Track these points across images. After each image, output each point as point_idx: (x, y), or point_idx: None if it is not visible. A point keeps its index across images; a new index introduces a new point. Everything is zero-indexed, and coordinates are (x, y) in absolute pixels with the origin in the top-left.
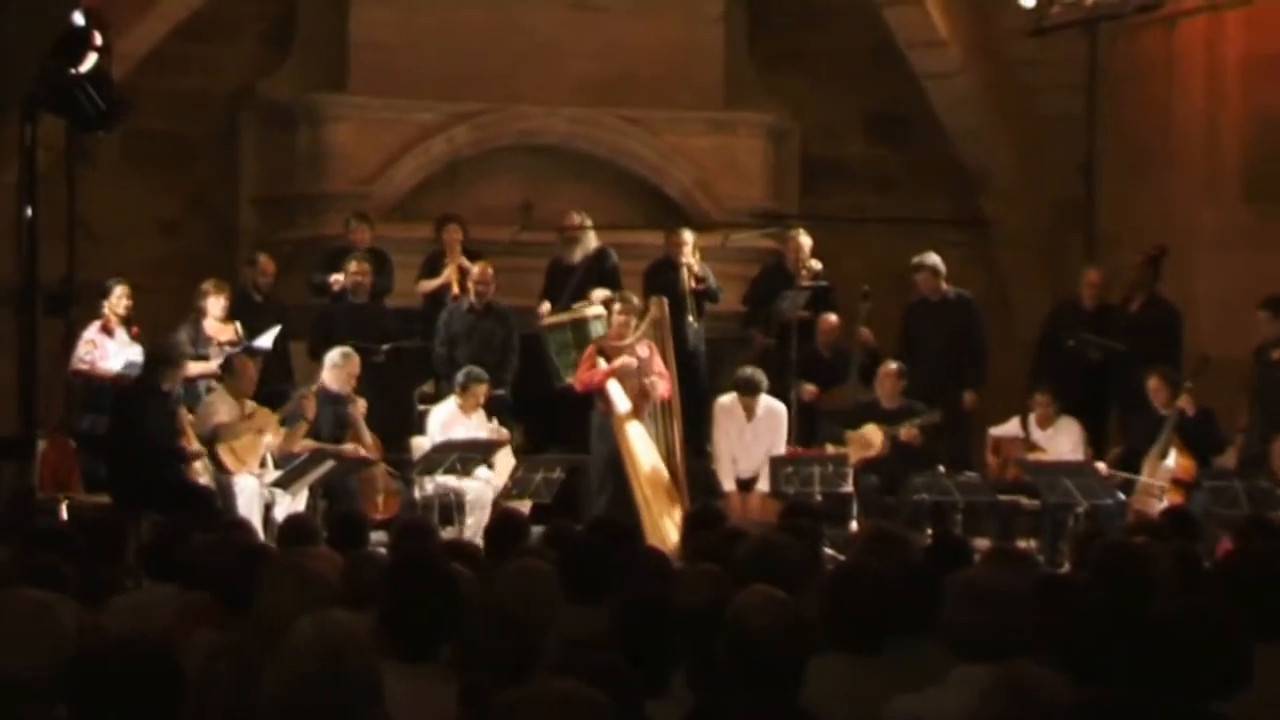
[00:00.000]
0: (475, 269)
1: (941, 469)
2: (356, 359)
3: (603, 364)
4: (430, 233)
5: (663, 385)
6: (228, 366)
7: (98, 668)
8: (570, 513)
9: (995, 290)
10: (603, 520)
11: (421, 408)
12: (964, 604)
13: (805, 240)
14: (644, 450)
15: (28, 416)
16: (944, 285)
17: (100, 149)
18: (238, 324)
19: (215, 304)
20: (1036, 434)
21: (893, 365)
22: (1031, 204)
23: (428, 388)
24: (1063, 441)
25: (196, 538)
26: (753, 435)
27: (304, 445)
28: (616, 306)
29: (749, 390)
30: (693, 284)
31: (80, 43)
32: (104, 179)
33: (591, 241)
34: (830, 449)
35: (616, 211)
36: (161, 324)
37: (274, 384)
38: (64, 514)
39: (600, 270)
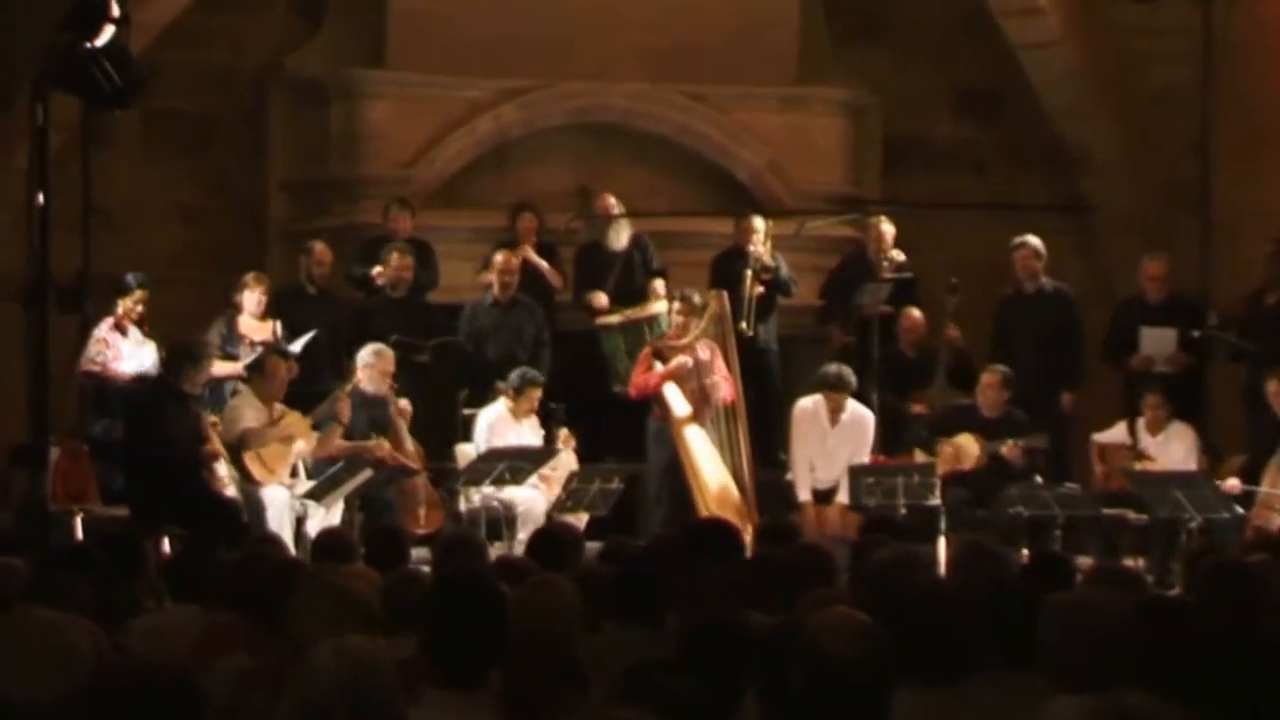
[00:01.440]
0: (498, 258)
1: (1039, 480)
2: (390, 354)
3: (659, 367)
4: (477, 220)
5: (725, 387)
6: (256, 366)
7: (115, 695)
8: (629, 526)
9: (1098, 281)
10: (665, 535)
11: (467, 412)
12: (1064, 629)
13: (888, 228)
14: (706, 457)
15: (40, 422)
16: (1042, 275)
17: (117, 130)
18: (277, 323)
19: (253, 298)
20: (1145, 441)
21: (999, 371)
22: (1139, 187)
23: (467, 390)
24: (1174, 449)
25: (222, 554)
26: (835, 442)
27: (339, 446)
28: (675, 305)
29: (837, 387)
30: (761, 278)
31: (95, 14)
32: (121, 163)
33: (626, 227)
34: (919, 457)
35: (680, 196)
36: (183, 319)
37: (323, 383)
38: (79, 528)
39: (643, 258)
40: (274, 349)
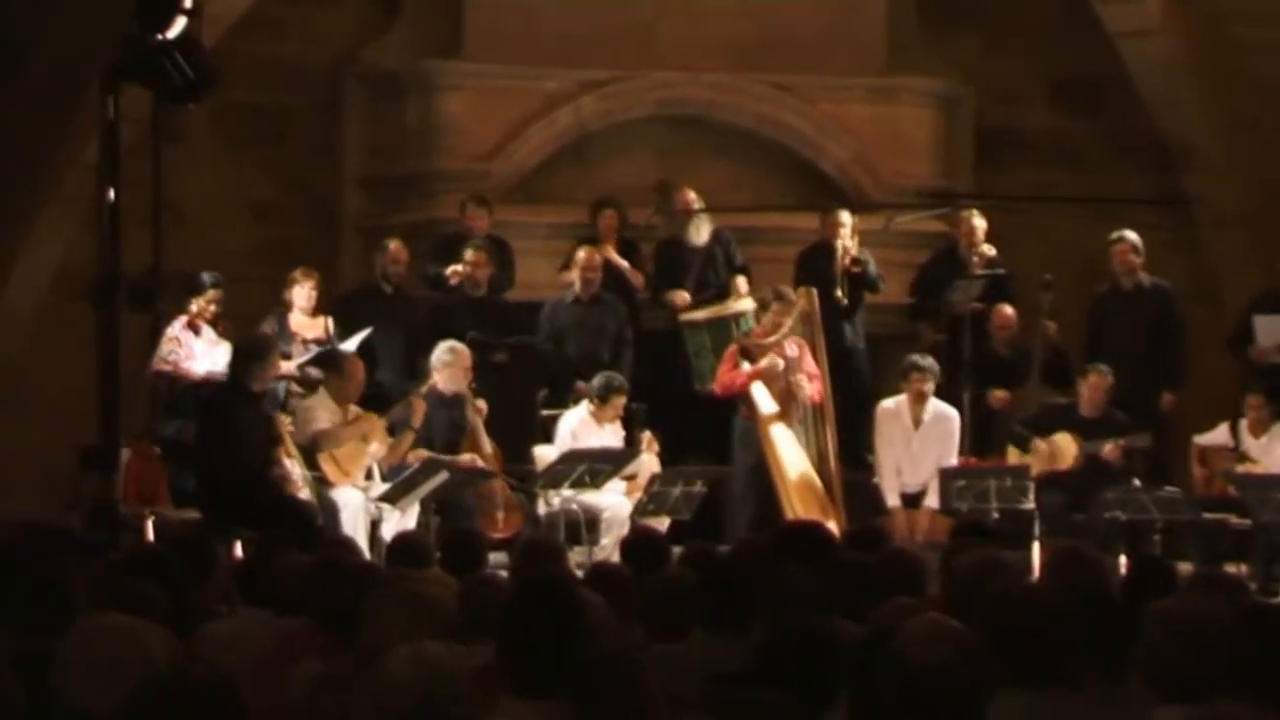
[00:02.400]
0: (580, 254)
1: (1138, 483)
2: (466, 352)
3: (746, 365)
4: (556, 216)
5: (813, 386)
6: (334, 366)
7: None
8: (713, 531)
9: (1200, 278)
10: (751, 539)
11: (546, 413)
12: (1165, 637)
13: (979, 223)
14: (793, 458)
15: (110, 423)
16: (1140, 271)
17: (188, 124)
18: (329, 320)
19: (303, 294)
20: (1248, 442)
21: (1104, 371)
22: (1242, 180)
23: (547, 391)
24: (1278, 451)
25: (295, 558)
26: (920, 443)
27: (415, 455)
28: (775, 306)
29: (919, 373)
30: (850, 269)
31: (167, 5)
32: (192, 157)
33: (707, 222)
34: (1012, 458)
35: (765, 190)
36: (255, 319)
37: (397, 386)
38: (150, 531)
39: (725, 254)
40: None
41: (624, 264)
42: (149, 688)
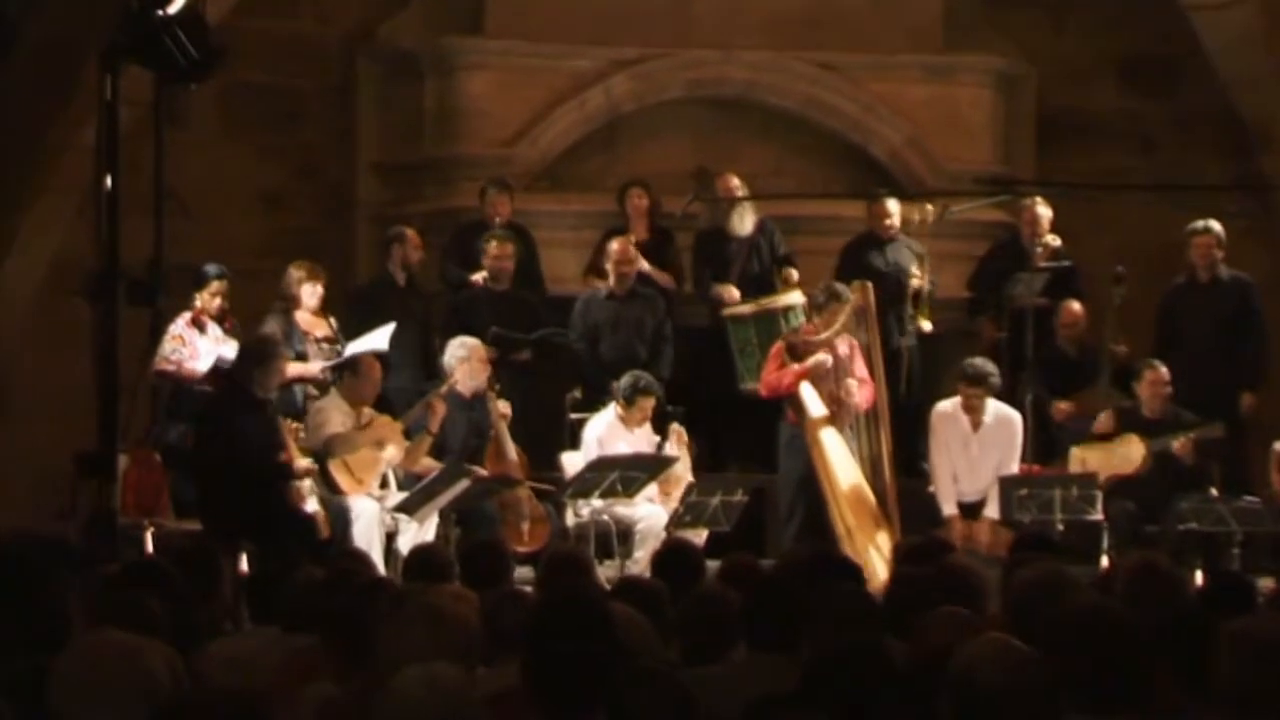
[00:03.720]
0: (613, 245)
1: (1214, 492)
2: (479, 345)
3: (793, 365)
4: (585, 204)
5: (864, 391)
6: (348, 365)
7: None
8: (755, 544)
9: None
10: (797, 553)
11: (576, 416)
12: (1243, 658)
13: (1043, 211)
14: (844, 465)
15: (108, 427)
16: (1221, 264)
17: (192, 106)
18: (331, 319)
19: (310, 292)
20: None
21: (1159, 367)
22: None
23: (579, 393)
24: None
25: (305, 572)
26: (979, 448)
27: (426, 466)
28: (831, 306)
29: (974, 381)
30: (916, 280)
31: None
32: (196, 142)
33: (750, 211)
34: (1076, 464)
35: (809, 177)
36: (263, 315)
37: (412, 386)
38: (150, 543)
39: (769, 245)
40: (373, 354)
41: (647, 268)
42: (169, 709)
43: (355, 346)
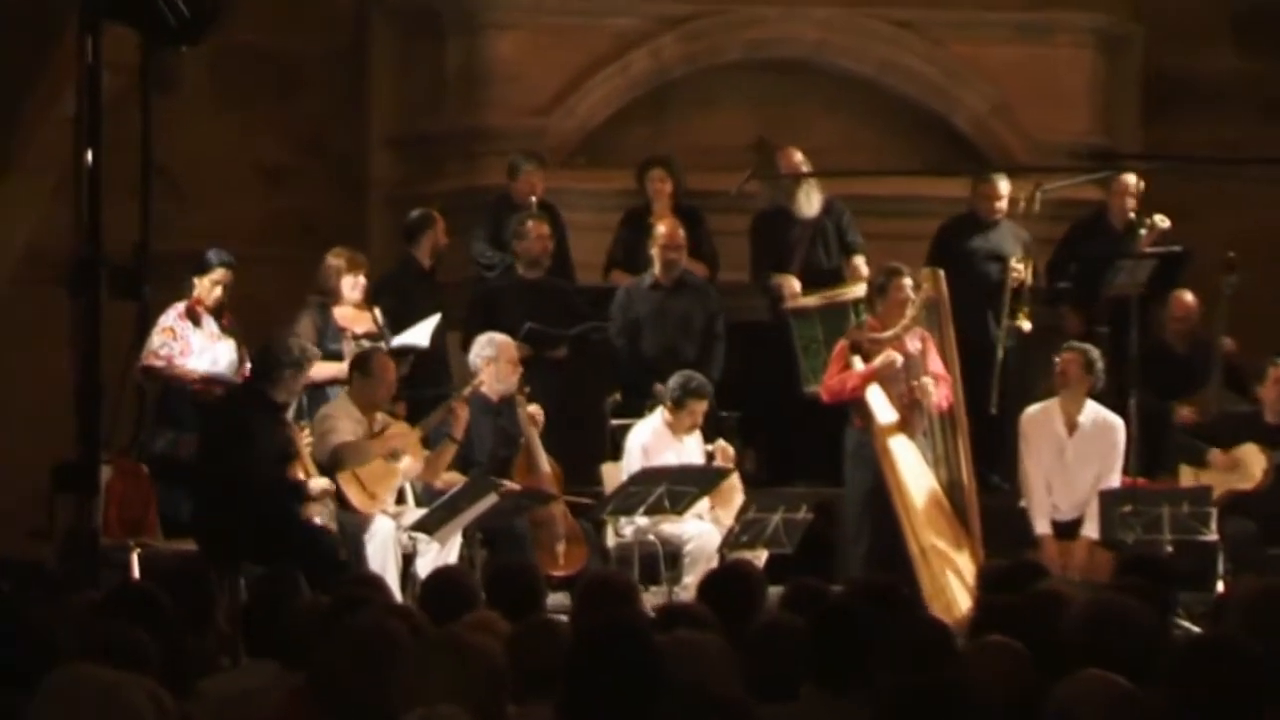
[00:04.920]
0: (660, 229)
1: None
2: (509, 343)
3: (859, 364)
4: (627, 182)
5: (940, 390)
6: (361, 365)
7: None
8: (821, 566)
9: None
10: (866, 579)
11: (617, 422)
12: None
13: (1133, 181)
14: (917, 477)
15: (89, 435)
16: None
17: (184, 72)
18: (376, 311)
19: (351, 283)
20: None
21: None
22: None
23: (619, 396)
24: None
25: (308, 600)
26: (1075, 456)
27: (448, 479)
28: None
29: (1071, 352)
30: (1017, 274)
31: None
32: (188, 112)
33: (817, 190)
34: (1186, 479)
35: (884, 151)
36: (262, 307)
37: (426, 386)
38: (135, 566)
39: (838, 229)
40: (394, 351)
41: (660, 229)
42: None
43: (399, 342)
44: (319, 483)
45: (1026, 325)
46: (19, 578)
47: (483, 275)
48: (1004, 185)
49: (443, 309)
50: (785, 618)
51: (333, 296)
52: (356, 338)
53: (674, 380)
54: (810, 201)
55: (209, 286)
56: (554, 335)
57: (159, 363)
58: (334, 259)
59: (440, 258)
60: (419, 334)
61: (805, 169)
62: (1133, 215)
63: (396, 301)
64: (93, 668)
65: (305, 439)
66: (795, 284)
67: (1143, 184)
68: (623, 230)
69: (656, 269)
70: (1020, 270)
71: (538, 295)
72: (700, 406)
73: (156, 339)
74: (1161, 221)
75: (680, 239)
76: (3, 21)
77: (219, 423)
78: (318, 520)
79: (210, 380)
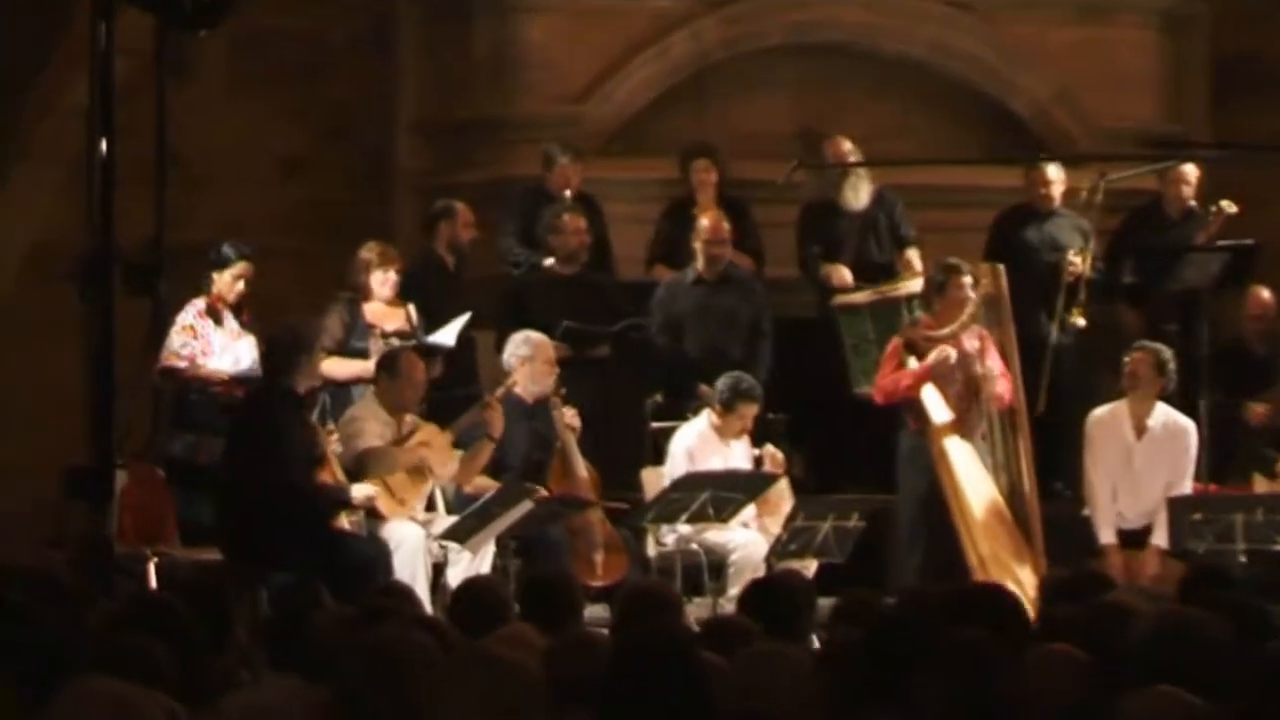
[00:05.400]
0: (704, 221)
1: None
2: (547, 343)
3: (913, 364)
4: (666, 171)
5: (1001, 386)
6: (388, 365)
7: None
8: (873, 577)
9: None
10: (923, 589)
11: (657, 425)
12: None
13: (1189, 167)
14: (975, 481)
15: (103, 438)
16: None
17: (201, 57)
18: (411, 308)
19: (381, 279)
20: None
21: None
22: None
23: (660, 397)
24: None
25: (333, 611)
26: (1144, 461)
27: (480, 485)
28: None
29: (1141, 351)
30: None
31: None
32: (205, 99)
33: (866, 180)
34: (1261, 485)
35: (937, 138)
36: (282, 304)
37: (452, 387)
38: (152, 576)
39: (889, 221)
40: (420, 346)
41: (704, 222)
42: None
43: (439, 337)
44: (362, 490)
45: (1081, 321)
46: (29, 588)
47: (510, 272)
48: (1054, 171)
49: (466, 306)
50: (839, 631)
51: (362, 292)
52: (385, 335)
53: (723, 381)
54: (857, 194)
55: (230, 282)
56: (593, 333)
57: (180, 363)
58: (365, 252)
59: (461, 252)
60: (446, 334)
61: (853, 158)
62: (1192, 204)
63: (418, 299)
64: (107, 682)
65: (332, 443)
66: (846, 274)
67: (1199, 172)
68: (665, 222)
69: (699, 263)
70: (1077, 263)
71: (574, 291)
72: (750, 410)
73: (176, 339)
74: (1229, 207)
75: (725, 232)
76: (11, 3)
77: (243, 423)
78: (346, 526)
79: (234, 381)
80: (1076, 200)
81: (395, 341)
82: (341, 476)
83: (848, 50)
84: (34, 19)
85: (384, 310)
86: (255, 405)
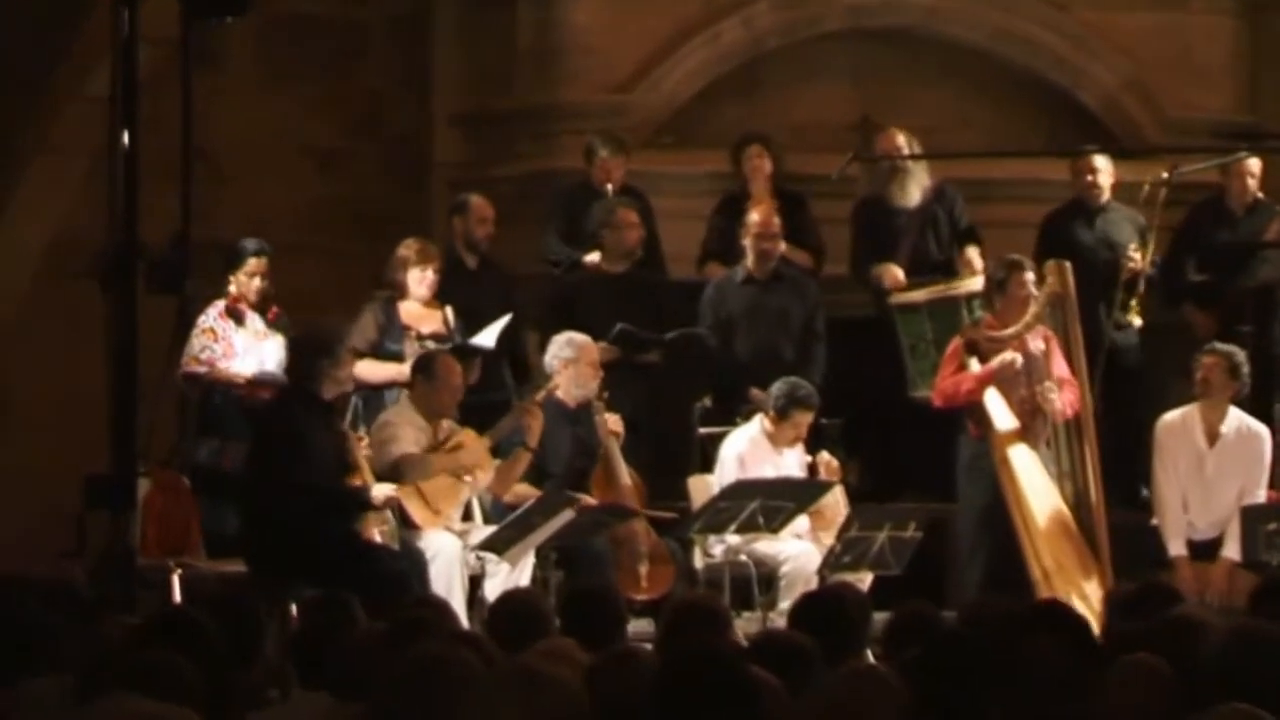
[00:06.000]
0: (754, 216)
1: None
2: (591, 345)
3: (975, 366)
4: (717, 164)
5: (1066, 394)
6: (424, 368)
7: None
8: (932, 590)
9: None
10: (985, 603)
11: (705, 431)
12: None
13: (1254, 161)
14: (1040, 491)
15: (125, 444)
16: None
17: (228, 45)
18: (448, 309)
19: (418, 278)
20: None
21: None
22: None
23: (709, 401)
24: None
25: (366, 626)
26: (1216, 471)
27: (520, 494)
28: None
29: (1211, 356)
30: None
31: None
32: (234, 89)
33: (924, 175)
34: None
35: (1001, 129)
36: (315, 303)
37: (491, 391)
38: (176, 589)
39: (949, 217)
40: (457, 348)
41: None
42: None
43: (479, 339)
44: (382, 490)
45: (1137, 321)
46: (48, 601)
47: (551, 271)
48: (1101, 161)
49: (485, 306)
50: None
51: (399, 291)
52: (421, 338)
53: (779, 387)
54: (906, 190)
55: (245, 280)
56: (647, 339)
57: (200, 368)
58: (403, 249)
59: (478, 250)
60: (487, 335)
61: (906, 151)
62: (1258, 197)
63: (444, 298)
64: (132, 700)
65: (364, 449)
66: (898, 273)
67: (1260, 164)
68: (717, 218)
69: (749, 260)
70: (1137, 260)
71: (625, 291)
72: (806, 418)
73: (196, 342)
74: None
75: (775, 227)
76: None
77: (268, 429)
78: (377, 537)
79: (258, 383)
80: (1138, 193)
81: (431, 344)
82: (372, 482)
83: (908, 37)
84: (56, 5)
85: (420, 312)
86: (276, 410)
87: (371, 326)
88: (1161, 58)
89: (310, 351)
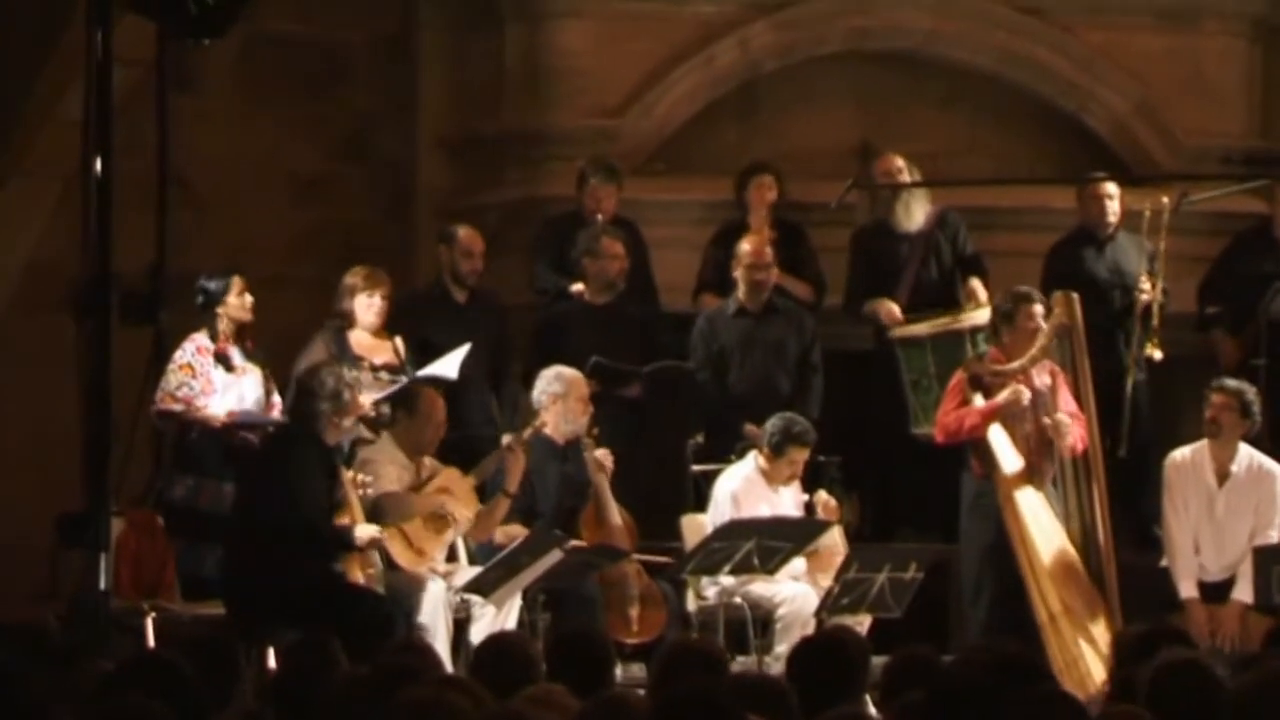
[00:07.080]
0: (745, 246)
1: None
2: (580, 379)
3: (979, 401)
4: (711, 192)
5: (1074, 431)
6: (407, 403)
7: None
8: (933, 634)
9: None
10: (989, 647)
11: (698, 468)
12: None
13: None
14: (1046, 531)
15: (98, 481)
16: None
17: (206, 67)
18: (397, 339)
19: (366, 304)
20: None
21: None
22: None
23: (702, 437)
24: None
25: (347, 670)
26: (1227, 510)
27: (509, 533)
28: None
29: (1221, 395)
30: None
31: None
32: (212, 113)
33: (924, 201)
34: None
35: (1007, 156)
36: (297, 336)
37: (478, 427)
38: (151, 632)
39: (952, 246)
40: (416, 381)
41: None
42: None
43: (437, 369)
44: (366, 530)
45: (1158, 354)
46: (18, 645)
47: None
48: (1110, 187)
49: (481, 338)
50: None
51: (348, 319)
52: (375, 369)
53: (774, 423)
54: (909, 213)
55: (225, 313)
56: (624, 371)
57: (176, 406)
58: (350, 277)
59: (463, 281)
60: (448, 365)
61: (904, 178)
62: None
63: (414, 328)
64: None
65: (358, 487)
66: (894, 309)
67: None
68: (714, 248)
69: (741, 292)
70: (1149, 290)
71: (609, 323)
72: (802, 455)
73: (173, 378)
74: None
75: (768, 257)
76: (5, 12)
77: (254, 468)
78: (361, 579)
79: (238, 425)
80: (1140, 220)
81: (385, 375)
82: (361, 520)
83: (911, 60)
84: (27, 26)
85: (371, 342)
86: (268, 450)
87: (324, 355)
88: (1172, 81)
89: (317, 396)
